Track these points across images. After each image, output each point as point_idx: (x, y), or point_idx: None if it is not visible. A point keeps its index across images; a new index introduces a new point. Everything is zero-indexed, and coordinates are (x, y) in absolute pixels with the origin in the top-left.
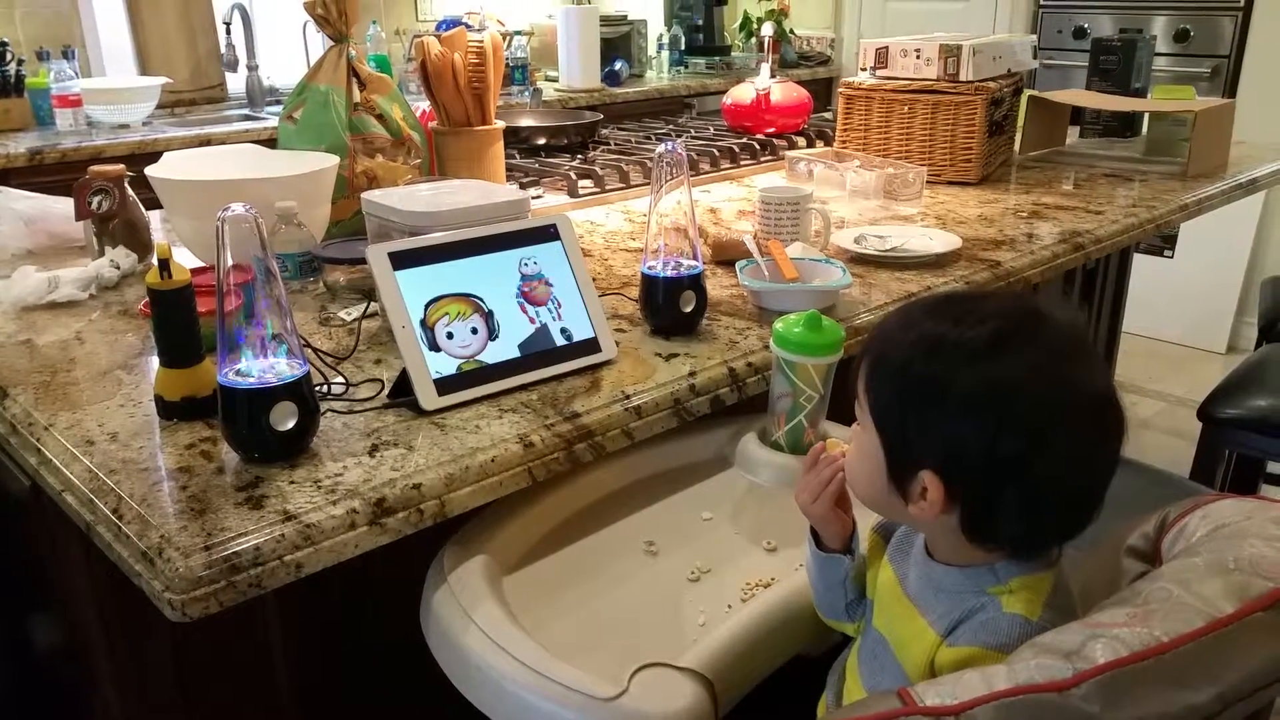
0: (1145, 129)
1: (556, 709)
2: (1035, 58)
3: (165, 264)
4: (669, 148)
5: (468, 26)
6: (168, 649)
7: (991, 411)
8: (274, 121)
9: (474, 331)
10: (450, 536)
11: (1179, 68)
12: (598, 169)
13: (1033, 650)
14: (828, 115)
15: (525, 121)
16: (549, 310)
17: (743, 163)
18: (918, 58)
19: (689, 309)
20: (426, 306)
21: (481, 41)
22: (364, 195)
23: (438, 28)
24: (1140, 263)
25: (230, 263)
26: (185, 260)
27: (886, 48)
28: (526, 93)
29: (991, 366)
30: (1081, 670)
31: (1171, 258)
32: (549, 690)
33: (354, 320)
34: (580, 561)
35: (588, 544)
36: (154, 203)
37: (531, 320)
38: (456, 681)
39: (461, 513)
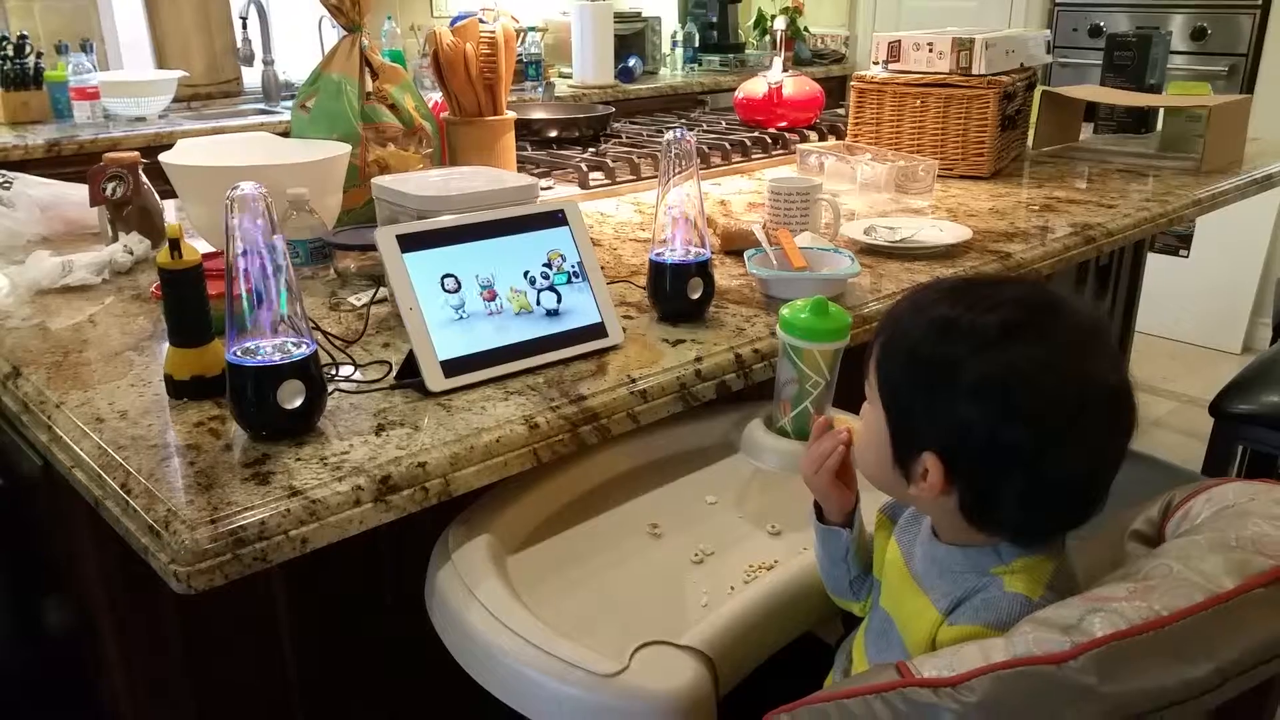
0: (1160, 125)
1: (558, 684)
2: (1049, 52)
3: (176, 244)
4: (678, 135)
5: (481, 21)
6: (176, 630)
7: (997, 399)
8: (289, 115)
9: (486, 315)
10: (455, 517)
11: (1196, 66)
12: (609, 161)
13: (1031, 624)
14: (840, 111)
15: (537, 114)
16: (557, 294)
17: (754, 156)
18: (930, 51)
19: (696, 295)
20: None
21: (493, 32)
22: (374, 180)
23: (452, 24)
24: (1155, 262)
25: (240, 240)
26: (198, 247)
27: (899, 41)
28: (540, 88)
29: (1001, 354)
30: (1080, 643)
31: (1187, 258)
32: (550, 666)
33: (364, 305)
34: (584, 542)
35: (592, 525)
36: (170, 194)
37: (539, 304)
38: (460, 658)
39: (466, 492)
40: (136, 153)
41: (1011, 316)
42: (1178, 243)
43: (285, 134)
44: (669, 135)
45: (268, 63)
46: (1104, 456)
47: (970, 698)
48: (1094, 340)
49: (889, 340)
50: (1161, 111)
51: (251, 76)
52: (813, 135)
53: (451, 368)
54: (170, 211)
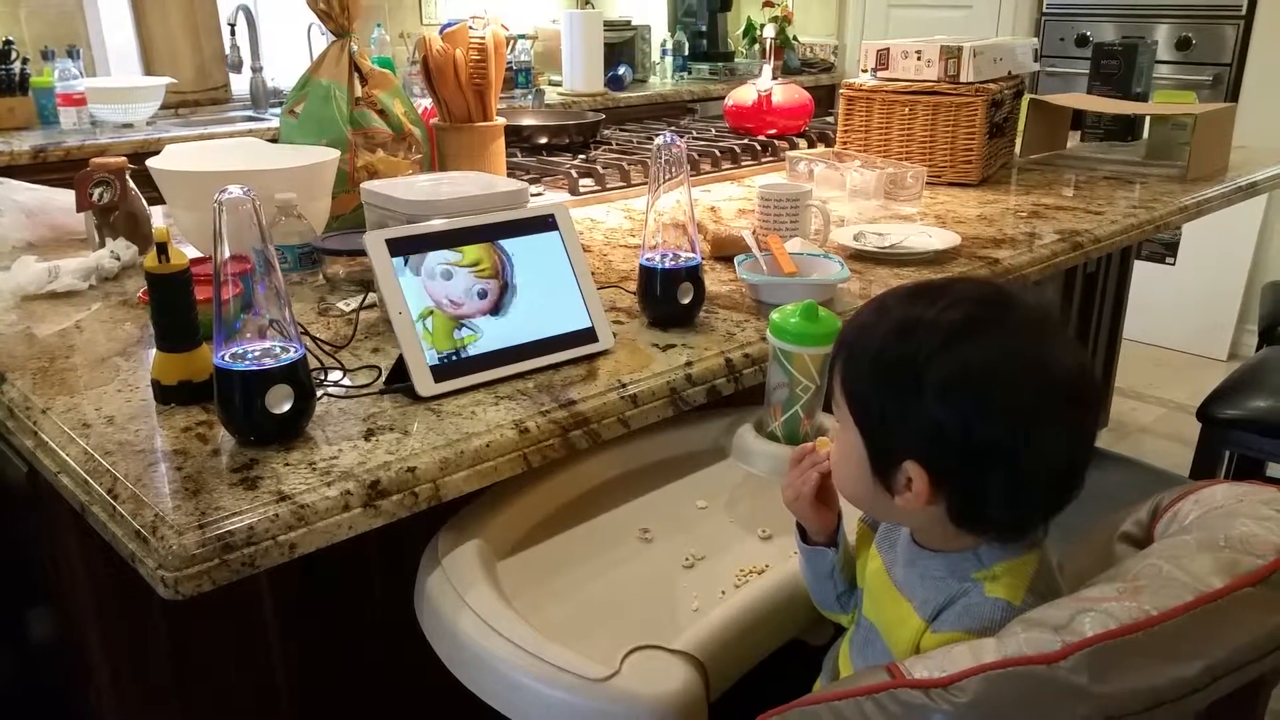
0: (1146, 133)
1: (548, 689)
2: (1036, 60)
3: (163, 248)
4: (668, 140)
5: (471, 28)
6: (164, 639)
7: (968, 396)
8: (277, 122)
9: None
10: (445, 522)
11: (1181, 76)
12: (599, 167)
13: (1022, 624)
14: (829, 119)
15: (527, 120)
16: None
17: (743, 163)
18: (918, 59)
19: (686, 300)
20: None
21: (483, 38)
22: (364, 185)
23: (441, 30)
24: (1142, 270)
25: (227, 244)
26: (186, 253)
27: (888, 49)
28: (529, 95)
29: (964, 350)
30: (1070, 643)
31: (1173, 265)
32: (540, 671)
33: (353, 311)
34: (574, 547)
35: (582, 530)
36: (156, 201)
37: (526, 309)
38: (450, 663)
39: (456, 497)
40: (123, 158)
41: (966, 313)
42: (1164, 250)
43: (274, 140)
44: (659, 140)
45: (256, 69)
46: (1079, 439)
47: (962, 698)
48: (1048, 326)
49: (850, 356)
50: (1148, 119)
51: (240, 83)
52: (802, 143)
53: (441, 372)
54: (157, 218)
